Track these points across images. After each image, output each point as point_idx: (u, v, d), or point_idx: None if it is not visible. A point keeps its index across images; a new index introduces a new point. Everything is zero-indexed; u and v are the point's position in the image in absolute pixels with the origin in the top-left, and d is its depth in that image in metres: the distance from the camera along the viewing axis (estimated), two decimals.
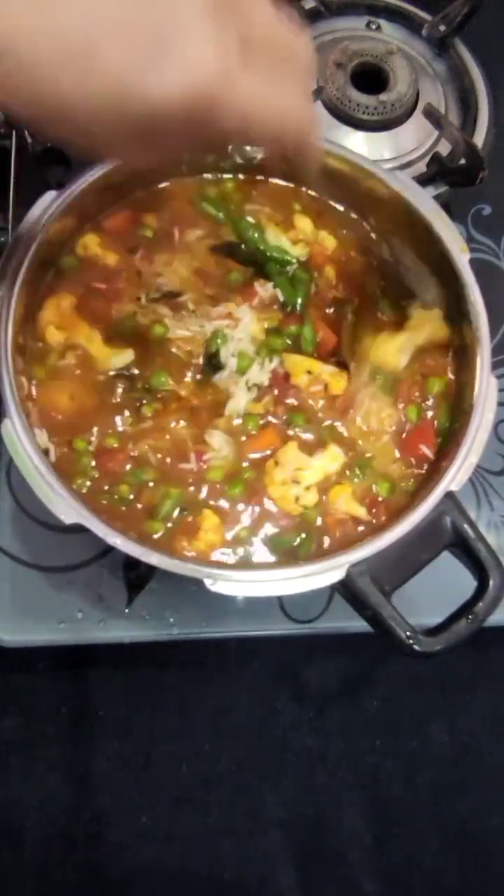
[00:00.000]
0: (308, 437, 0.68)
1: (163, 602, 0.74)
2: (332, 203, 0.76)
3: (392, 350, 0.69)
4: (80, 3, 0.42)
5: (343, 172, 0.73)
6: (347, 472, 0.67)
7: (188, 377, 0.68)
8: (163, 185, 0.75)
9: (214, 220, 0.74)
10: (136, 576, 0.74)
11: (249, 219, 0.73)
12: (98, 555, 0.75)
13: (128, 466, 0.65)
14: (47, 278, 0.69)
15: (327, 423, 0.68)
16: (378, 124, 0.87)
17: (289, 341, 0.70)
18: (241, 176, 0.76)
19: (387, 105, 0.86)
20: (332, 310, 0.72)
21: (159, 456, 0.66)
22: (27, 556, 0.74)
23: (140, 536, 0.62)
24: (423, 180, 0.84)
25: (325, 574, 0.60)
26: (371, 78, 0.87)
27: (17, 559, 0.74)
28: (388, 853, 0.77)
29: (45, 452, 0.63)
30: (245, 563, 0.64)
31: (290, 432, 0.68)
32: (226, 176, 0.76)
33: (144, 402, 0.67)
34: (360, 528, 0.65)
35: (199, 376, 0.68)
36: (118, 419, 0.67)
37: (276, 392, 0.68)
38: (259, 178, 0.76)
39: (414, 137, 0.88)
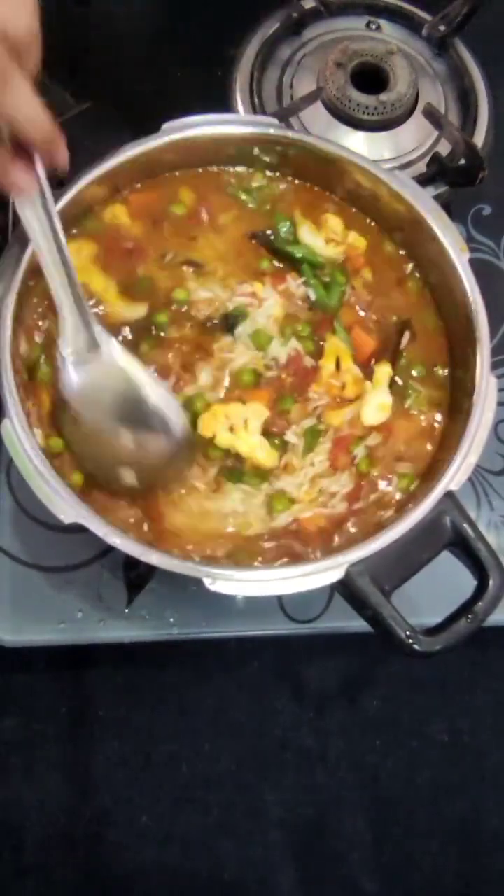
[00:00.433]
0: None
1: (163, 602, 0.74)
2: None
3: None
4: None
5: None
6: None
7: (188, 328, 0.69)
8: (196, 170, 0.75)
9: (250, 209, 0.74)
10: (136, 576, 0.74)
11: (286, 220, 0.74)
12: (98, 555, 0.75)
13: None
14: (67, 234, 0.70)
15: (309, 423, 0.68)
16: (378, 124, 0.87)
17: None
18: (269, 173, 0.76)
19: (387, 105, 0.86)
20: (368, 313, 0.72)
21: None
22: (27, 556, 0.74)
23: None
24: (423, 180, 0.84)
25: (325, 574, 0.60)
26: (371, 78, 0.87)
27: (17, 559, 0.74)
28: (388, 853, 0.77)
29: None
30: (245, 563, 0.64)
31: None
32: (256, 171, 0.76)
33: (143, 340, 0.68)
34: None
35: (209, 325, 0.69)
36: None
37: (292, 372, 0.68)
38: (289, 177, 0.76)
39: (414, 137, 0.88)
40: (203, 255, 0.72)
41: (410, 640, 0.58)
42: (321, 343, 0.69)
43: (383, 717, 0.81)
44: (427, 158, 0.87)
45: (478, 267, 0.70)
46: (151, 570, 0.64)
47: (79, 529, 0.58)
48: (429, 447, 0.69)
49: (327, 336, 0.69)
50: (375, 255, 0.74)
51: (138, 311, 0.69)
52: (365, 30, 0.94)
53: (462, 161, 0.83)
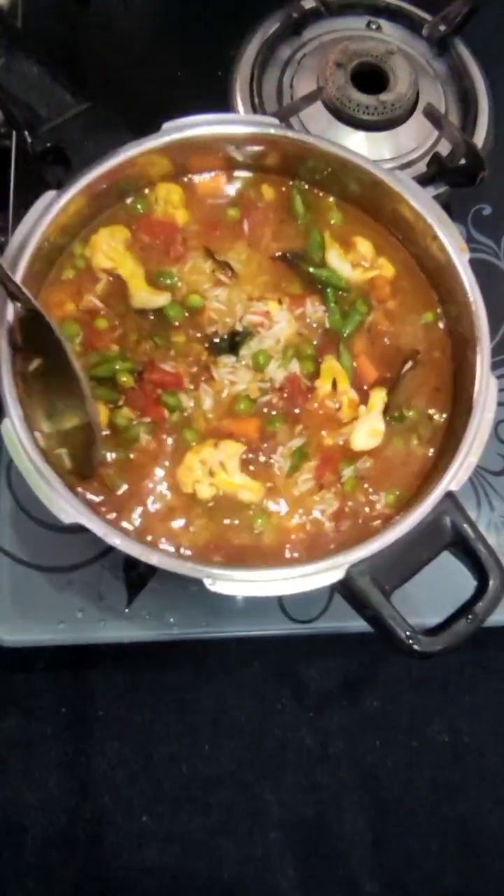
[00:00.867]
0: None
1: (163, 602, 0.74)
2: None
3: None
4: None
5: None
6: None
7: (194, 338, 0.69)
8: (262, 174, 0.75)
9: (290, 224, 0.74)
10: (136, 575, 0.74)
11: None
12: (98, 555, 0.75)
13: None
14: (106, 212, 0.71)
15: (298, 443, 0.67)
16: (378, 124, 0.87)
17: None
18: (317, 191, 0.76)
19: (387, 105, 0.86)
20: (382, 344, 0.71)
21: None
22: (27, 556, 0.74)
23: None
24: (423, 180, 0.84)
25: (325, 574, 0.60)
26: (371, 78, 0.87)
27: (17, 559, 0.74)
28: (388, 853, 0.78)
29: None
30: (245, 563, 0.64)
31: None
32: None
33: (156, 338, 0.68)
34: None
35: (215, 340, 0.69)
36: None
37: (285, 395, 0.68)
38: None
39: (414, 137, 0.88)
40: (236, 262, 0.72)
41: (410, 641, 0.58)
42: (321, 363, 0.69)
43: (383, 717, 0.81)
44: (427, 158, 0.87)
45: (478, 267, 0.70)
46: (151, 570, 0.64)
47: (79, 529, 0.58)
48: (416, 479, 0.68)
49: (326, 358, 0.69)
50: (403, 285, 0.74)
51: (161, 299, 0.69)
52: (365, 30, 0.94)
53: (462, 161, 0.83)
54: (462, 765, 0.81)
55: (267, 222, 0.74)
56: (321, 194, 0.75)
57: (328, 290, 0.71)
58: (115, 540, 0.59)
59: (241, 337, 0.68)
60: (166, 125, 0.70)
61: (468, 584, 0.61)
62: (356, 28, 0.94)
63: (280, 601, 0.76)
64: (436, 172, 0.85)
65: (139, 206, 0.72)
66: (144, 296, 0.69)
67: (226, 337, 0.68)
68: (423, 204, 0.71)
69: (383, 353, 0.71)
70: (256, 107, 0.87)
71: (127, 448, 0.65)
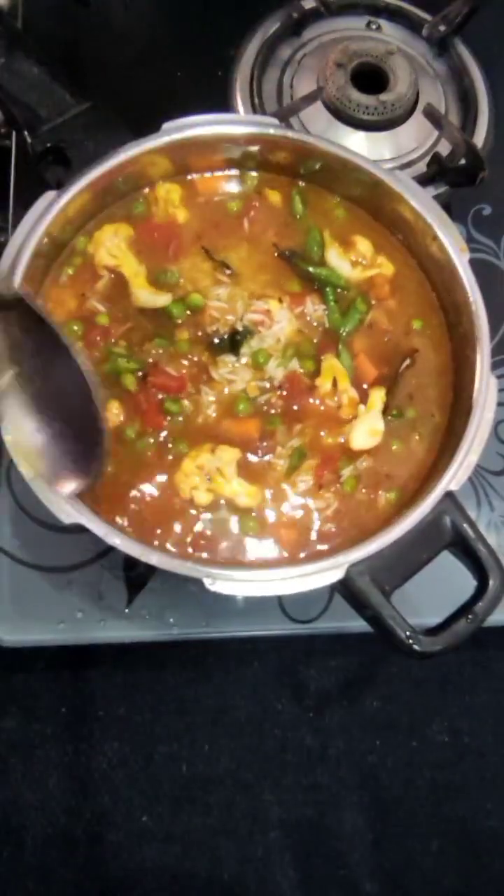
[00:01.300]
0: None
1: (163, 602, 0.74)
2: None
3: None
4: None
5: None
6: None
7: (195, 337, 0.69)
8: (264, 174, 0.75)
9: (291, 222, 0.74)
10: (136, 575, 0.74)
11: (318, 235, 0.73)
12: (98, 555, 0.75)
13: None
14: (106, 212, 0.71)
15: (296, 442, 0.67)
16: (378, 124, 0.87)
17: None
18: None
19: (387, 105, 0.86)
20: (381, 342, 0.71)
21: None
22: (27, 556, 0.74)
23: None
24: (423, 180, 0.84)
25: (325, 574, 0.60)
26: (371, 78, 0.87)
27: (17, 559, 0.74)
28: (388, 853, 0.78)
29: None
30: (245, 563, 0.64)
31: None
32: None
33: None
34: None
35: (215, 340, 0.69)
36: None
37: (285, 392, 0.68)
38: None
39: (414, 137, 0.88)
40: (236, 260, 0.72)
41: (410, 641, 0.58)
42: (322, 361, 0.69)
43: (383, 717, 0.81)
44: (427, 158, 0.87)
45: (478, 267, 0.70)
46: (151, 569, 0.64)
47: (79, 529, 0.58)
48: (416, 479, 0.68)
49: (326, 356, 0.69)
50: (403, 284, 0.73)
51: (162, 299, 0.69)
52: (365, 30, 0.94)
53: (462, 161, 0.83)
54: (462, 765, 0.81)
55: (267, 221, 0.74)
56: (321, 193, 0.75)
57: (327, 288, 0.71)
58: (115, 540, 0.59)
59: (242, 336, 0.68)
60: (166, 125, 0.70)
61: (468, 584, 0.61)
62: (356, 28, 0.94)
63: (280, 601, 0.76)
64: (436, 172, 0.85)
65: (139, 206, 0.72)
66: (146, 295, 0.69)
67: (226, 336, 0.68)
68: (423, 204, 0.71)
69: (383, 351, 0.71)
70: (256, 107, 0.88)
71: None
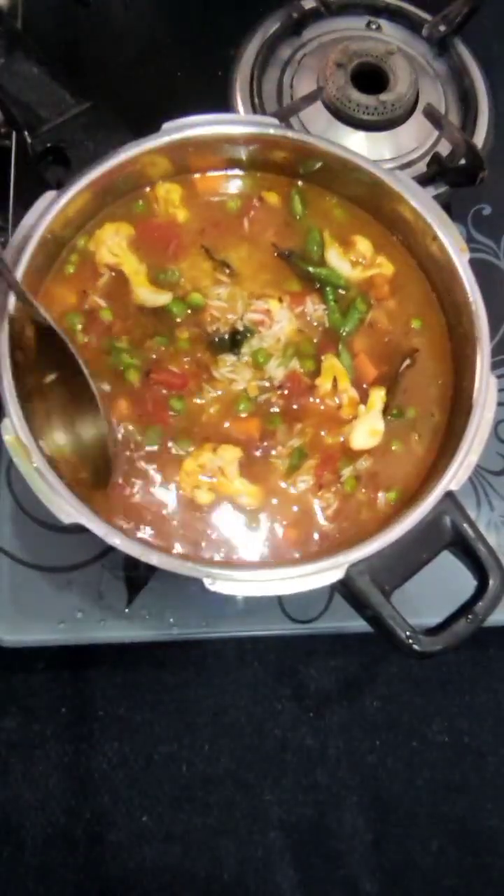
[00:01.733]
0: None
1: (163, 602, 0.74)
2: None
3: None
4: None
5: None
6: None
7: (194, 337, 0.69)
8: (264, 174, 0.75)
9: (291, 222, 0.74)
10: (136, 576, 0.74)
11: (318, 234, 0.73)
12: (98, 555, 0.75)
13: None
14: (106, 211, 0.71)
15: (297, 442, 0.67)
16: (378, 124, 0.87)
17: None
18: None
19: (387, 105, 0.86)
20: (381, 343, 0.71)
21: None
22: (27, 556, 0.74)
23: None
24: (423, 180, 0.84)
25: (325, 574, 0.60)
26: (371, 78, 0.87)
27: (17, 559, 0.74)
28: (388, 853, 0.78)
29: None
30: (245, 563, 0.64)
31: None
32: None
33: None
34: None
35: (215, 339, 0.69)
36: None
37: (285, 391, 0.68)
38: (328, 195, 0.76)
39: (414, 137, 0.88)
40: (236, 260, 0.72)
41: (410, 641, 0.58)
42: (322, 361, 0.69)
43: (383, 717, 0.81)
44: (427, 158, 0.87)
45: (478, 267, 0.70)
46: (151, 569, 0.64)
47: (79, 529, 0.58)
48: (416, 478, 0.67)
49: (327, 356, 0.69)
50: (403, 284, 0.73)
51: (162, 298, 0.69)
52: (365, 30, 0.94)
53: (462, 161, 0.83)
54: (462, 765, 0.81)
55: (267, 221, 0.74)
56: (321, 193, 0.75)
57: (328, 288, 0.71)
58: (115, 540, 0.59)
59: (242, 335, 0.68)
60: (166, 125, 0.70)
61: (468, 584, 0.61)
62: (356, 28, 0.94)
63: (280, 601, 0.76)
64: (436, 172, 0.85)
65: (139, 206, 0.72)
66: (146, 293, 0.69)
67: (226, 336, 0.68)
68: (423, 204, 0.71)
69: (383, 351, 0.71)
70: (256, 107, 0.88)
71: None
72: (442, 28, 0.93)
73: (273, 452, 0.66)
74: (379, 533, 0.61)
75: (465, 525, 0.62)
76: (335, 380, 0.68)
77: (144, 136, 0.70)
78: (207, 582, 0.59)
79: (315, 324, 0.71)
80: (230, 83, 0.89)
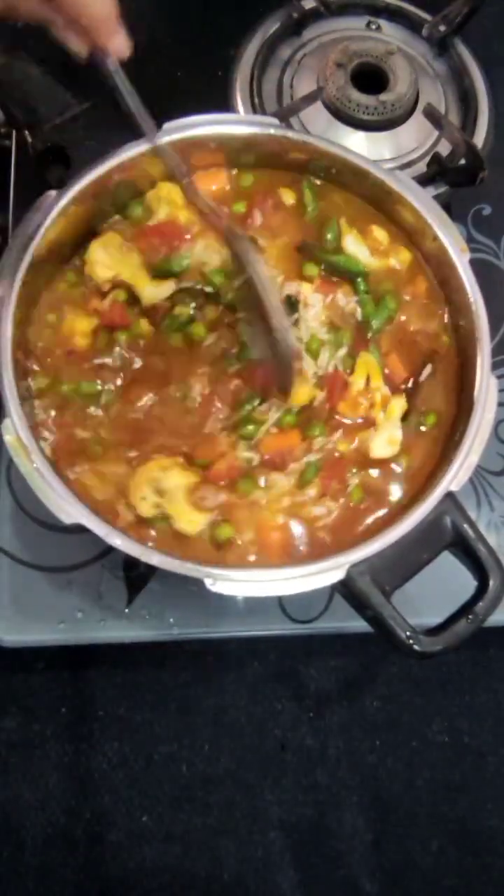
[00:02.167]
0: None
1: (163, 602, 0.74)
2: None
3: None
4: None
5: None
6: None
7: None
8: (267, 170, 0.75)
9: (299, 219, 0.73)
10: (137, 576, 0.74)
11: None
12: (98, 555, 0.75)
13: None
14: (100, 223, 0.71)
15: (312, 458, 0.65)
16: (378, 124, 0.87)
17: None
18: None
19: (387, 105, 0.86)
20: (411, 340, 0.71)
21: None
22: (27, 556, 0.74)
23: None
24: (423, 180, 0.84)
25: (325, 574, 0.60)
26: (371, 78, 0.87)
27: (17, 559, 0.74)
28: (388, 853, 0.78)
29: None
30: (245, 564, 0.64)
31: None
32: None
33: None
34: None
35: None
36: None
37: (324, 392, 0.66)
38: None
39: (414, 137, 0.88)
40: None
41: (411, 641, 0.58)
42: (357, 357, 0.67)
43: (383, 717, 0.81)
44: (427, 158, 0.87)
45: (478, 267, 0.70)
46: (152, 570, 0.64)
47: (79, 529, 0.58)
48: (414, 480, 0.67)
49: (361, 353, 0.67)
50: (420, 281, 0.73)
51: (166, 288, 0.68)
52: (365, 30, 0.94)
53: (462, 161, 0.83)
54: (462, 765, 0.81)
55: (268, 220, 0.73)
56: (332, 189, 0.74)
57: (358, 279, 0.70)
58: (116, 540, 0.59)
59: (294, 299, 0.66)
60: (166, 125, 0.70)
61: (468, 584, 0.61)
62: (356, 28, 0.94)
63: (280, 601, 0.76)
64: (436, 172, 0.85)
65: (140, 207, 0.72)
66: (150, 290, 0.68)
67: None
68: (423, 204, 0.71)
69: (411, 350, 0.70)
70: (256, 107, 0.88)
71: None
72: (442, 28, 0.93)
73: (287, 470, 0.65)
74: (379, 533, 0.61)
75: (466, 525, 0.62)
76: (368, 378, 0.67)
77: (145, 136, 0.70)
78: (208, 582, 0.59)
79: (348, 317, 0.69)
80: (230, 83, 0.89)
